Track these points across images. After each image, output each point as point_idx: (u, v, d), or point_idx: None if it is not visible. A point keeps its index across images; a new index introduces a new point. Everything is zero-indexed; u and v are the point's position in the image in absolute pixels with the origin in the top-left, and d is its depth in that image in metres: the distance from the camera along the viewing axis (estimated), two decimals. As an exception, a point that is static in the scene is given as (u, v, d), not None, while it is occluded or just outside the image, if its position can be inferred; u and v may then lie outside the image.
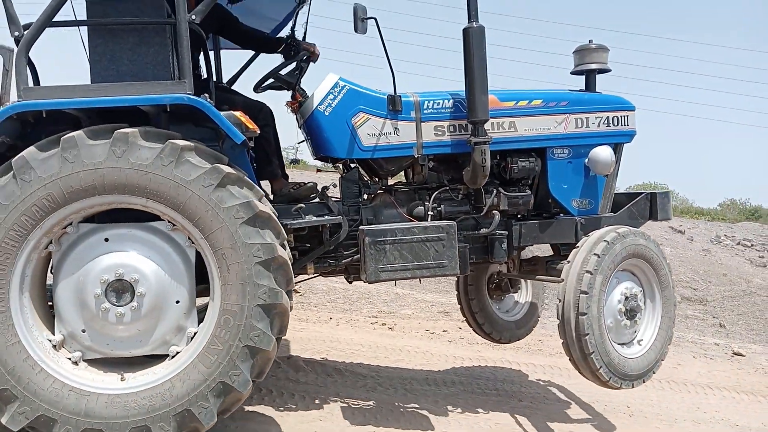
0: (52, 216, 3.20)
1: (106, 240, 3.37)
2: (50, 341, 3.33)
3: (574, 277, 3.71)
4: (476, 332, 5.47)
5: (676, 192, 20.75)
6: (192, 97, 3.32)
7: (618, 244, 3.79)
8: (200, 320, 3.47)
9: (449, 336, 7.41)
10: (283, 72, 4.24)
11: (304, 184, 4.26)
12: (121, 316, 3.30)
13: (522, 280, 5.32)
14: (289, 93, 4.33)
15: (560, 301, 3.78)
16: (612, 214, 4.42)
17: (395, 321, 7.95)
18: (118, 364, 3.43)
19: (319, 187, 4.32)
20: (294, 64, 4.27)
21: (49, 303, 3.60)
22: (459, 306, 5.47)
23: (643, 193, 4.50)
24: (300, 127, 4.39)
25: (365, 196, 4.29)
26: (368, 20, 3.79)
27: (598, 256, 3.71)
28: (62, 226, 3.30)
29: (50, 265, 3.53)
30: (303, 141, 4.45)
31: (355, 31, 3.78)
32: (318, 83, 4.13)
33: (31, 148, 3.17)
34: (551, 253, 4.72)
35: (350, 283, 4.49)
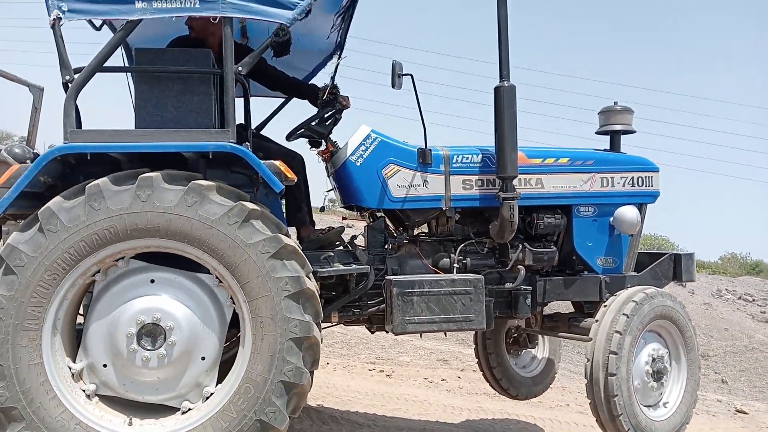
0: (108, 247, 3.22)
1: (152, 281, 3.37)
2: (70, 369, 3.30)
3: (603, 336, 3.72)
4: (493, 387, 5.42)
5: (677, 244, 20.89)
6: (235, 146, 3.38)
7: (646, 305, 3.80)
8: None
9: (448, 385, 7.35)
10: (316, 122, 4.28)
11: (332, 228, 4.27)
12: (147, 360, 3.28)
13: (539, 336, 5.30)
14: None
15: (588, 360, 3.78)
16: (635, 273, 4.44)
17: (393, 368, 7.88)
18: (128, 407, 3.38)
19: (345, 235, 4.33)
20: (327, 115, 4.31)
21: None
22: (476, 360, 5.44)
23: (666, 253, 4.54)
24: (329, 176, 4.43)
25: (389, 246, 4.30)
26: (404, 76, 3.88)
27: (627, 317, 3.72)
28: (114, 258, 3.32)
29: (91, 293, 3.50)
30: (332, 189, 4.47)
31: (392, 86, 3.86)
32: (345, 132, 4.21)
33: (107, 180, 3.20)
34: (571, 309, 4.72)
35: (372, 333, 4.46)
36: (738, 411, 7.67)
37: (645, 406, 3.85)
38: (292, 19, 3.49)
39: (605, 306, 3.87)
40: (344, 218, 5.03)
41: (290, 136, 4.36)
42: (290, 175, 3.57)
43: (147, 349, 3.27)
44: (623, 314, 3.74)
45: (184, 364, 3.33)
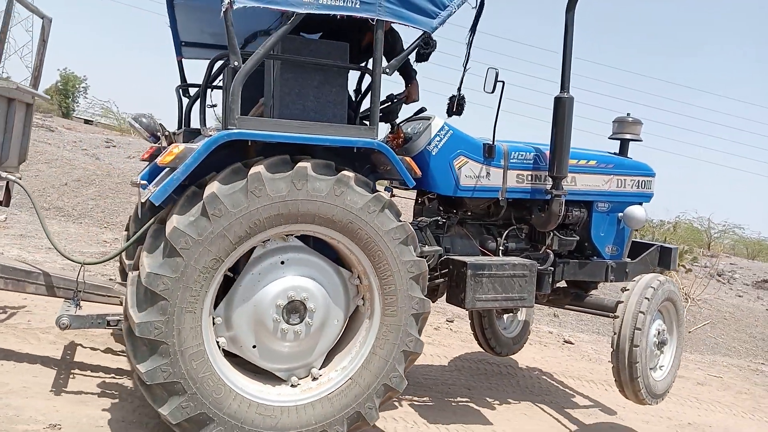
0: (264, 232, 3.39)
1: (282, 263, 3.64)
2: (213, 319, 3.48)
3: (630, 315, 4.54)
4: (482, 346, 6.20)
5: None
6: (381, 143, 3.66)
7: (660, 290, 4.71)
8: None
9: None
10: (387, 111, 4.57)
11: None
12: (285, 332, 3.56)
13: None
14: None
15: (615, 333, 4.60)
16: (630, 260, 5.35)
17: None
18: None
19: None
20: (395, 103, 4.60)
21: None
22: (470, 321, 6.15)
23: (654, 244, 5.52)
24: None
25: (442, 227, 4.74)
26: (498, 83, 4.31)
27: (648, 300, 4.59)
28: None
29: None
30: None
31: (489, 91, 4.30)
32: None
33: (263, 167, 3.31)
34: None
35: None
36: (565, 341, 8.36)
37: (650, 369, 4.81)
38: (434, 28, 3.77)
39: (627, 290, 4.70)
40: (392, 196, 5.32)
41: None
42: (417, 171, 3.89)
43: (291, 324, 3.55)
44: (645, 298, 4.60)
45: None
